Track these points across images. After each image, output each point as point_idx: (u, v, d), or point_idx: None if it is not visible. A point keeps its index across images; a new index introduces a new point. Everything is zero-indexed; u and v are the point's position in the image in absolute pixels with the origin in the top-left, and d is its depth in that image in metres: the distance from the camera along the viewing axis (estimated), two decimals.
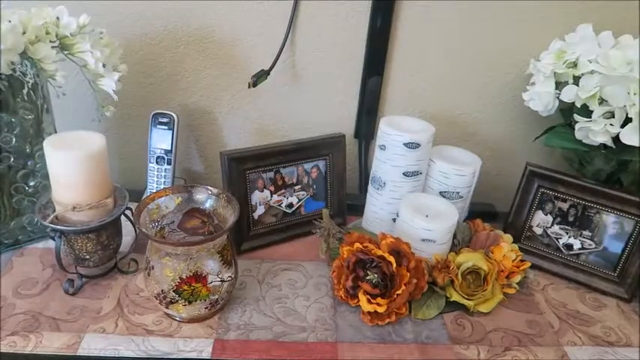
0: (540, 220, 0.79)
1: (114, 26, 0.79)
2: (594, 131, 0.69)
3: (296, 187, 0.80)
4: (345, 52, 0.84)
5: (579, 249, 0.77)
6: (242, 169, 0.73)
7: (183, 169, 0.95)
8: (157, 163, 0.81)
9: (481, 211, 0.85)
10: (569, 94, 0.72)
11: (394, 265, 0.65)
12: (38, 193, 0.71)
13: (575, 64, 0.72)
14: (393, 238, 0.68)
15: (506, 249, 0.72)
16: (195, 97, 0.88)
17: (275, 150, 0.76)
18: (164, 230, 0.64)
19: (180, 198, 0.64)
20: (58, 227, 0.61)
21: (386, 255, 0.65)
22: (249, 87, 0.77)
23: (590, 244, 0.77)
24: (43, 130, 0.68)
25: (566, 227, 0.77)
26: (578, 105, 0.72)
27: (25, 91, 0.63)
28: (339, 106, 0.89)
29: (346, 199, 0.85)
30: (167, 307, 0.60)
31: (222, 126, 0.91)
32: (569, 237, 0.78)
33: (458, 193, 0.79)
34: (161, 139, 0.81)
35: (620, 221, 0.74)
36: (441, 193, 0.79)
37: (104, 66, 0.62)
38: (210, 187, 0.64)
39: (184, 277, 0.58)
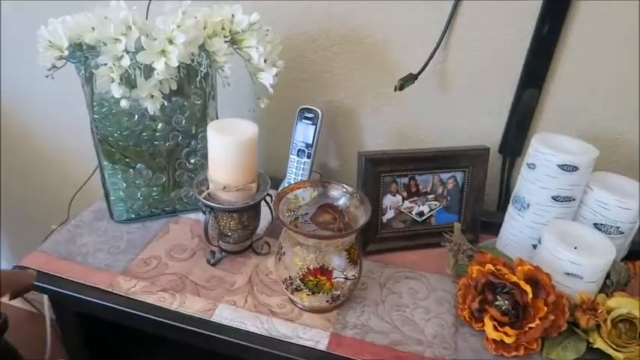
0: None
1: (275, 22, 0.85)
2: None
3: (429, 196, 0.78)
4: (502, 59, 0.79)
5: None
6: (377, 171, 0.74)
7: (320, 163, 0.99)
8: (297, 155, 0.86)
9: None
10: None
11: (529, 295, 0.59)
12: (196, 170, 0.80)
13: None
14: (531, 266, 0.62)
15: None
16: (340, 95, 0.90)
17: (413, 156, 0.75)
18: (298, 220, 0.67)
19: (316, 192, 0.67)
20: (209, 203, 0.68)
21: (521, 283, 0.60)
22: (395, 90, 0.76)
23: None
24: (207, 114, 0.77)
25: None
26: None
27: (197, 79, 0.71)
28: (486, 118, 0.84)
29: (481, 216, 0.80)
30: (292, 293, 0.63)
31: (363, 126, 0.92)
32: None
33: (618, 228, 0.69)
34: (304, 133, 0.85)
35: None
36: (595, 224, 0.70)
37: (265, 61, 0.67)
38: (345, 185, 0.66)
39: (311, 268, 0.60)
